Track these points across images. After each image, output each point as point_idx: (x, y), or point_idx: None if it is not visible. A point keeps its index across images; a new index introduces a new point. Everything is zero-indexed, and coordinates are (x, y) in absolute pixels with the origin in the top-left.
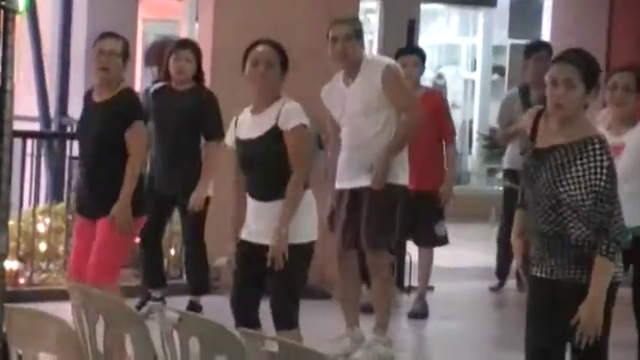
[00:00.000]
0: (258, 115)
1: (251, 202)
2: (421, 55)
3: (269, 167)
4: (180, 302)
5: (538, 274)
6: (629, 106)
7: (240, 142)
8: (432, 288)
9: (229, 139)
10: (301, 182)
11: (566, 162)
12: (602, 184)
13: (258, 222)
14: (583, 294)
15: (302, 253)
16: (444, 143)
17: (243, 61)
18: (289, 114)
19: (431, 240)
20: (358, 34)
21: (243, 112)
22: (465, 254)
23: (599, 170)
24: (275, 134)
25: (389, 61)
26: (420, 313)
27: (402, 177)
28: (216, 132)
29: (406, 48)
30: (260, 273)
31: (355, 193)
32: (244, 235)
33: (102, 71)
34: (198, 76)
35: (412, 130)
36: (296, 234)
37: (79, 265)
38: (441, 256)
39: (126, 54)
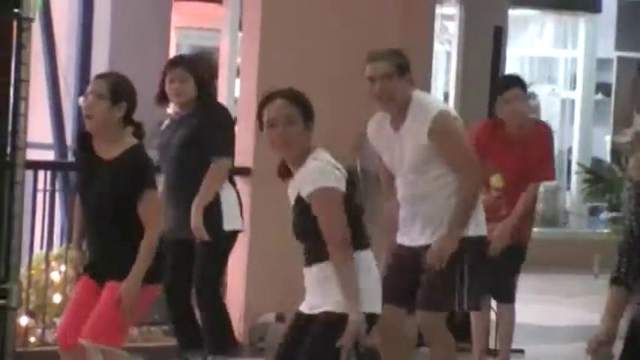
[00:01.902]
0: (294, 179)
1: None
2: (522, 86)
3: (304, 234)
4: None
5: None
6: None
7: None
8: (521, 351)
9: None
10: (343, 256)
11: None
12: None
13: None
14: None
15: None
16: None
17: (258, 117)
18: (304, 179)
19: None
20: (401, 69)
21: None
22: (562, 311)
23: None
24: (301, 204)
25: (438, 108)
26: None
27: (473, 229)
28: (223, 149)
29: (508, 77)
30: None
31: (415, 252)
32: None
33: (87, 119)
34: (202, 97)
35: (471, 196)
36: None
37: (70, 332)
38: (534, 312)
39: (115, 95)
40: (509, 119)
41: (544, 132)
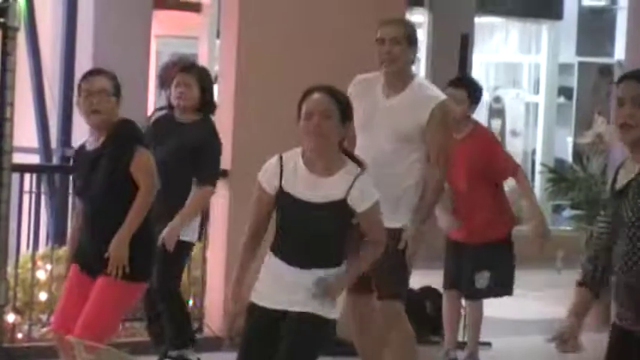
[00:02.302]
0: (319, 177)
1: (282, 267)
2: (470, 89)
3: (323, 236)
4: (205, 359)
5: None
6: None
7: (287, 197)
8: (489, 344)
9: (268, 183)
10: (380, 250)
11: None
12: None
13: (293, 290)
14: None
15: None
16: (503, 184)
17: (298, 110)
18: (365, 193)
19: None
20: (410, 39)
21: (289, 156)
22: (528, 304)
23: None
24: (340, 208)
25: (444, 97)
26: None
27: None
28: (211, 177)
29: (455, 80)
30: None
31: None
32: (262, 300)
33: (93, 114)
34: (204, 106)
35: (439, 191)
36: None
37: (65, 321)
38: (500, 306)
39: (118, 90)
40: None
41: (485, 133)
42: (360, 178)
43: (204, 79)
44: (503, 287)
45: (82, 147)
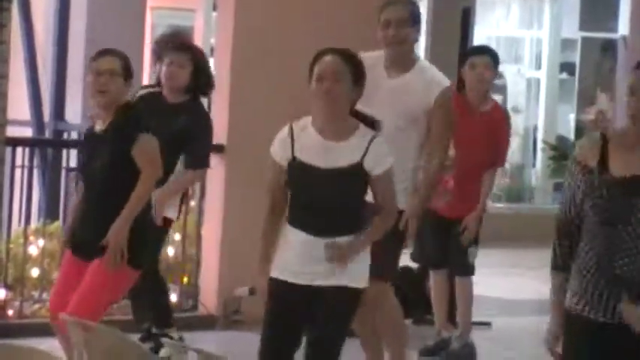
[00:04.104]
0: (332, 141)
1: (300, 237)
2: (495, 59)
3: (340, 202)
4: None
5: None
6: None
7: (301, 166)
8: (488, 324)
9: (280, 156)
10: (392, 219)
11: None
12: None
13: (312, 260)
14: None
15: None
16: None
17: (310, 72)
18: (380, 156)
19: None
20: (415, 19)
21: (299, 124)
22: (528, 284)
23: None
24: (356, 171)
25: (448, 84)
26: (458, 355)
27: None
28: (202, 161)
29: (477, 47)
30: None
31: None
32: (283, 274)
33: (100, 95)
34: (194, 88)
35: (438, 171)
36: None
37: (60, 303)
38: (500, 286)
39: (127, 72)
40: (472, 85)
41: (503, 117)
42: (375, 141)
43: (199, 60)
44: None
45: (92, 127)
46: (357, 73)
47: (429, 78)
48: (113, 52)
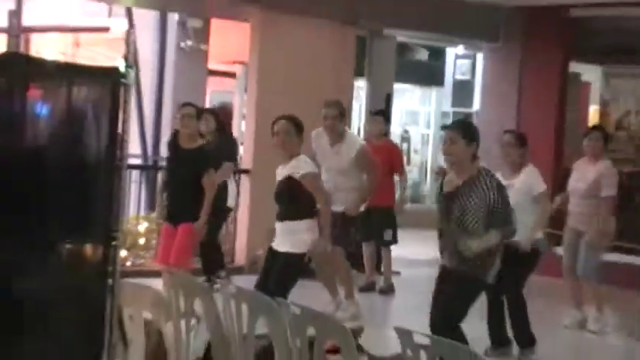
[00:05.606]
0: (284, 166)
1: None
2: (384, 115)
3: (286, 200)
4: (233, 279)
5: None
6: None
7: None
8: (398, 273)
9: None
10: (327, 206)
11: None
12: None
13: (279, 235)
14: None
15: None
16: (395, 176)
17: (271, 129)
18: (298, 166)
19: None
20: (342, 115)
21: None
22: (422, 251)
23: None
24: (291, 180)
25: (362, 143)
26: (386, 290)
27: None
28: (229, 157)
29: (376, 111)
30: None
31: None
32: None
33: (184, 128)
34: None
35: (374, 184)
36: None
37: (164, 256)
38: (406, 250)
39: (199, 114)
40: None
41: (393, 144)
42: (299, 159)
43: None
44: (394, 239)
45: (175, 139)
46: (298, 127)
47: (352, 143)
48: (190, 104)
